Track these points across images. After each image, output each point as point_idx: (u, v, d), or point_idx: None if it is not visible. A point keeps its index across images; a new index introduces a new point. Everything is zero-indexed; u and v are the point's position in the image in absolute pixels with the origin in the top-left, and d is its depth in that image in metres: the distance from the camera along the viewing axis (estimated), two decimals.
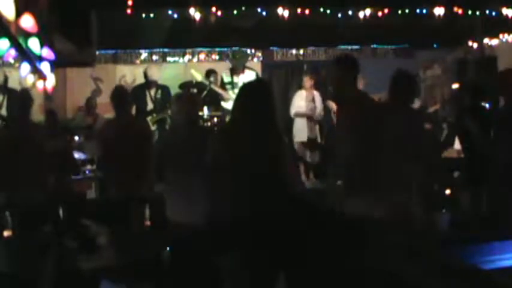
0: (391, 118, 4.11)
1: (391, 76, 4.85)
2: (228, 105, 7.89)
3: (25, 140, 5.31)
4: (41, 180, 5.31)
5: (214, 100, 8.10)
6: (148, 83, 8.03)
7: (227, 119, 7.85)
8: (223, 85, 8.12)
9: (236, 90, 7.81)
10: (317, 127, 8.49)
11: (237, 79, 7.98)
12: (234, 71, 8.09)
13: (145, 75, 8.12)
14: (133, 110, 7.21)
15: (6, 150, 5.36)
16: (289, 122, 8.65)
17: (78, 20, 7.26)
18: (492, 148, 5.54)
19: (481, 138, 5.71)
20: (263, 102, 3.69)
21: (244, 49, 9.88)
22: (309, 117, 8.42)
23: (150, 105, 7.97)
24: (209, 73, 8.45)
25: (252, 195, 3.46)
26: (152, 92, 7.99)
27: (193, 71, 7.94)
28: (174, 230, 4.40)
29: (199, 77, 7.90)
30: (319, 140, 8.49)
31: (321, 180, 8.40)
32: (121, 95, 5.34)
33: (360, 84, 8.07)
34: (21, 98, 5.56)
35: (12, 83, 7.79)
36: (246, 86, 4.05)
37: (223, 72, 8.38)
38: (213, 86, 7.97)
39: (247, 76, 7.98)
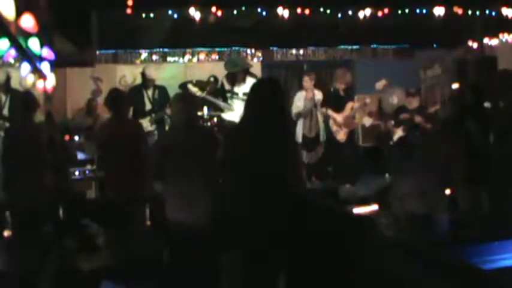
0: None
1: None
2: (227, 116, 7.67)
3: (26, 140, 5.32)
4: (41, 180, 5.31)
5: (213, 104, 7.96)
6: (146, 83, 8.01)
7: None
8: (223, 92, 7.94)
9: (235, 100, 7.70)
10: (318, 126, 8.41)
11: (237, 89, 7.72)
12: (234, 80, 7.85)
13: (143, 75, 8.09)
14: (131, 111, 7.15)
15: (8, 150, 5.37)
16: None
17: (78, 20, 7.27)
18: (493, 149, 5.55)
19: (481, 138, 5.71)
20: (274, 101, 3.69)
21: (243, 50, 9.88)
22: (308, 116, 8.36)
23: (148, 106, 7.95)
24: (207, 84, 8.15)
25: (260, 195, 3.46)
26: (150, 92, 7.97)
27: (190, 86, 7.75)
28: (174, 229, 4.40)
29: (197, 92, 7.68)
30: (322, 139, 8.38)
31: (322, 181, 8.40)
32: (115, 98, 5.33)
33: (343, 84, 8.14)
34: (24, 100, 5.56)
35: (12, 83, 7.79)
36: (258, 85, 4.02)
37: (224, 79, 8.19)
38: (211, 99, 7.73)
39: (248, 85, 7.73)
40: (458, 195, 6.01)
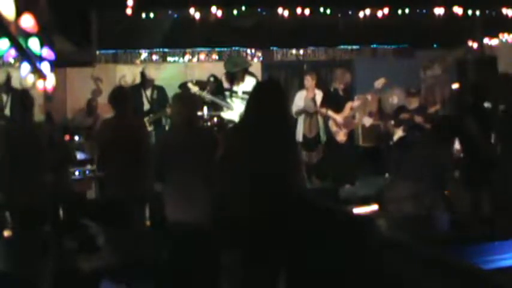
0: None
1: None
2: (226, 115, 7.66)
3: (25, 140, 5.31)
4: (41, 180, 5.31)
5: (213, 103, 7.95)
6: (145, 83, 8.00)
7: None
8: (221, 90, 7.92)
9: (234, 99, 7.69)
10: (319, 126, 8.39)
11: (236, 88, 7.69)
12: (233, 79, 7.85)
13: (142, 75, 8.08)
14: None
15: (7, 150, 5.36)
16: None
17: (78, 20, 7.26)
18: (494, 150, 5.56)
19: (481, 138, 5.71)
20: (275, 102, 3.70)
21: (243, 50, 9.87)
22: (308, 116, 8.35)
23: (146, 106, 7.93)
24: (207, 83, 8.14)
25: (260, 195, 3.46)
26: (148, 92, 7.96)
27: (190, 86, 7.75)
28: (174, 229, 4.41)
29: (197, 92, 7.65)
30: (324, 139, 8.36)
31: (322, 181, 8.40)
32: (119, 96, 5.32)
33: (342, 84, 8.14)
34: (21, 98, 5.56)
35: (13, 83, 7.79)
36: (259, 86, 4.04)
37: (223, 77, 8.18)
38: (211, 97, 7.71)
39: (247, 84, 7.60)
40: (458, 196, 6.01)
